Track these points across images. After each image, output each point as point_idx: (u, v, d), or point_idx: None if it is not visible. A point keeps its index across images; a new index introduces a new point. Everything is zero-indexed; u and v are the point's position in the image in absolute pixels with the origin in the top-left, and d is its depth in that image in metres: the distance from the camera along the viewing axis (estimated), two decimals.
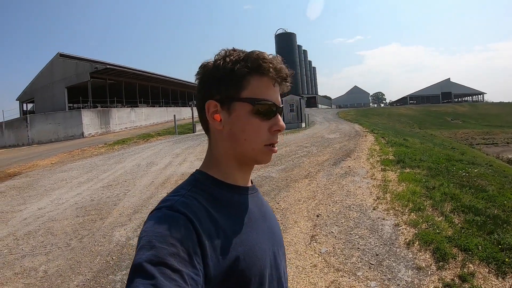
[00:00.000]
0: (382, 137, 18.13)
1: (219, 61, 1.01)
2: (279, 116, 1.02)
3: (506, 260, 4.37)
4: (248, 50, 1.04)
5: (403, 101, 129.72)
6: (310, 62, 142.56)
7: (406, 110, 78.61)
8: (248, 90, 0.99)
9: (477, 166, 11.36)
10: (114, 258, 5.18)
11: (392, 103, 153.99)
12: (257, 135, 0.99)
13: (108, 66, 34.79)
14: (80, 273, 4.81)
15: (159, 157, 14.38)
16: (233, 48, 1.05)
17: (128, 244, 5.66)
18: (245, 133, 1.00)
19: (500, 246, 4.72)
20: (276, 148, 1.03)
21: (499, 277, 4.12)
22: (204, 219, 0.89)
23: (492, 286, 4.00)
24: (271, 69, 0.98)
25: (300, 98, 30.62)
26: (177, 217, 0.84)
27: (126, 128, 34.50)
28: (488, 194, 7.12)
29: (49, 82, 35.58)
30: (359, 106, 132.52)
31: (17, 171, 14.06)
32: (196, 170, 1.07)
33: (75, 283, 4.54)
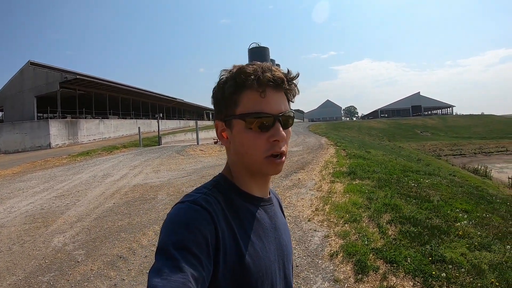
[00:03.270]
0: (343, 150, 18.34)
1: (217, 84, 1.08)
2: (278, 126, 1.01)
3: (433, 273, 4.33)
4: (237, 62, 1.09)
5: (374, 114, 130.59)
6: None
7: (377, 123, 79.48)
8: (241, 106, 1.01)
9: (434, 176, 11.72)
10: (47, 261, 5.47)
11: (363, 117, 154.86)
12: (255, 147, 1.01)
13: (78, 77, 34.34)
14: (14, 274, 5.13)
15: (117, 169, 14.54)
16: (233, 65, 1.07)
17: (63, 250, 5.94)
18: (244, 147, 1.02)
19: (431, 258, 4.71)
20: (279, 160, 1.02)
21: None
22: (221, 218, 0.96)
23: None
24: (252, 81, 0.99)
25: None
26: (200, 210, 0.92)
27: (94, 139, 34.22)
28: (433, 204, 7.28)
29: (19, 90, 35.08)
30: (331, 119, 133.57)
31: None
32: (220, 173, 1.14)
33: (8, 282, 4.86)
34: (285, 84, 1.04)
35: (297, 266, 4.93)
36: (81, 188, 10.90)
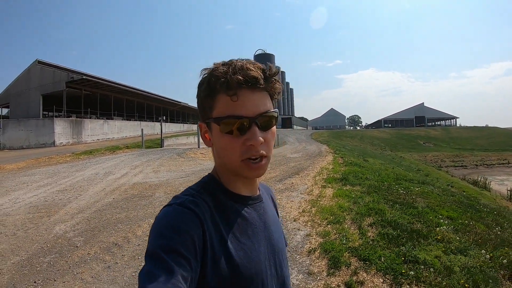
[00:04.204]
0: (341, 157, 18.46)
1: (198, 84, 1.06)
2: (254, 129, 0.98)
3: (403, 271, 4.55)
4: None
5: (378, 124, 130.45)
6: (287, 83, 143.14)
7: (380, 133, 79.09)
8: (215, 109, 0.99)
9: (427, 185, 11.87)
10: (48, 245, 5.89)
11: (367, 126, 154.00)
12: (232, 151, 0.99)
13: (84, 77, 34.28)
14: (18, 254, 5.56)
15: (118, 168, 14.76)
16: (214, 63, 1.04)
17: (63, 236, 6.36)
18: (222, 150, 1.02)
19: (403, 258, 4.92)
20: (256, 164, 1.00)
21: (392, 287, 4.31)
22: (209, 220, 0.96)
23: None
24: (222, 85, 0.96)
25: None
26: (187, 212, 0.92)
27: (98, 139, 34.35)
28: (418, 211, 7.48)
29: (25, 88, 35.16)
30: (335, 128, 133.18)
31: None
32: (208, 173, 1.14)
33: (12, 261, 5.28)
34: (261, 83, 0.99)
35: None
36: (83, 184, 11.21)
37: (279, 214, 1.39)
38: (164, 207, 0.97)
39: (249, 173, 1.01)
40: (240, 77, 0.95)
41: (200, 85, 1.04)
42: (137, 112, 47.44)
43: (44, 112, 36.23)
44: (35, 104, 34.30)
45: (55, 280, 4.70)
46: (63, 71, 35.72)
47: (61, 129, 30.03)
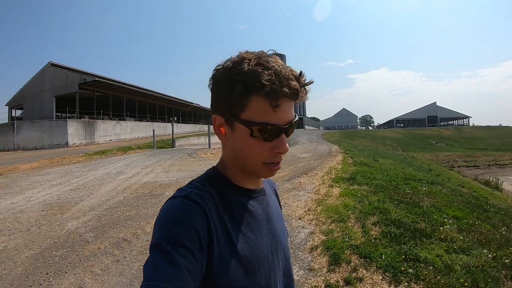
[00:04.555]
0: (351, 157, 18.39)
1: (221, 74, 0.98)
2: (284, 137, 0.98)
3: (402, 269, 4.58)
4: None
5: (390, 124, 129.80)
6: None
7: (392, 133, 78.50)
8: (247, 111, 0.95)
9: (436, 185, 11.87)
10: (61, 240, 6.12)
11: (379, 126, 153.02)
12: (256, 155, 0.98)
13: (96, 79, 34.94)
14: (32, 249, 5.79)
15: (130, 167, 14.98)
16: (240, 55, 0.99)
17: (75, 232, 6.59)
18: (245, 151, 0.99)
19: (404, 257, 4.94)
20: (276, 167, 1.02)
21: (391, 284, 4.31)
22: (214, 212, 0.96)
23: None
24: (267, 93, 0.91)
25: None
26: (192, 205, 0.92)
27: (110, 140, 34.78)
28: (423, 210, 7.48)
29: (39, 90, 35.78)
30: (346, 128, 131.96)
31: None
32: (213, 166, 1.13)
33: (26, 255, 5.52)
34: (297, 94, 0.97)
35: None
36: (95, 183, 11.44)
37: (282, 208, 1.42)
38: (168, 199, 0.97)
39: (267, 174, 1.03)
40: (287, 90, 0.93)
41: (232, 80, 0.95)
42: (149, 113, 47.89)
43: (57, 114, 36.79)
44: (48, 106, 34.86)
45: (66, 272, 4.92)
46: (76, 73, 36.26)
47: (74, 130, 30.49)
